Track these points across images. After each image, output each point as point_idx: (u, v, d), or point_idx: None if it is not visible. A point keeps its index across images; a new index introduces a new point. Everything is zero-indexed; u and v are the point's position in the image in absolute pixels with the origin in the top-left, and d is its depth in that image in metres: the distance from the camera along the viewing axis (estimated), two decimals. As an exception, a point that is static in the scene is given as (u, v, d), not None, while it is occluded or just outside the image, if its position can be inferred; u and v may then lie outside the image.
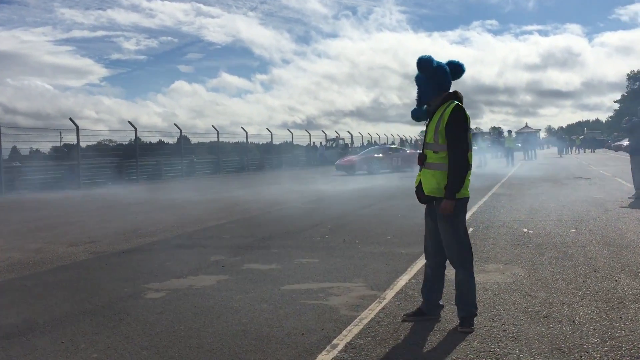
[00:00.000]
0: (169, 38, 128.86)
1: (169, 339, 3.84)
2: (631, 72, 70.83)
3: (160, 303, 4.75)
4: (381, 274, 5.63)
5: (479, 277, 5.31)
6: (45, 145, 26.65)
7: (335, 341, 3.71)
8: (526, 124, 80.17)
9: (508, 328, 3.88)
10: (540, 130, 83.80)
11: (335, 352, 3.51)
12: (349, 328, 3.97)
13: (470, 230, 8.02)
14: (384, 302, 4.60)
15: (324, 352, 3.51)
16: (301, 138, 41.63)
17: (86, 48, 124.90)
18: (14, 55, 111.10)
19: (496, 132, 51.91)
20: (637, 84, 68.28)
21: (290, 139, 39.64)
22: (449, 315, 4.19)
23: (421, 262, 6.05)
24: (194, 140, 36.61)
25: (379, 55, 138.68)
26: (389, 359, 3.39)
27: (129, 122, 25.18)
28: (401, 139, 48.07)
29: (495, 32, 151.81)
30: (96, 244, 7.80)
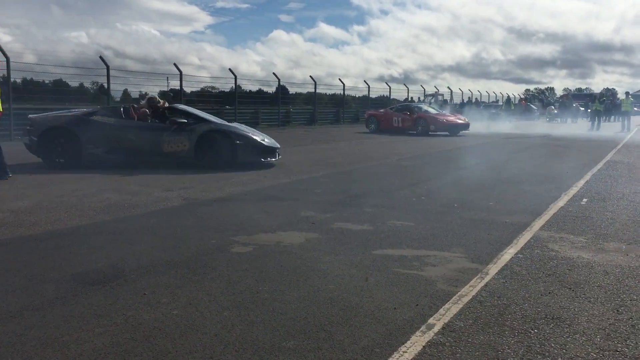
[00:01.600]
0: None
1: (252, 300, 3.61)
2: None
3: (246, 259, 4.56)
4: (483, 244, 5.12)
5: (597, 258, 4.70)
6: (153, 89, 27.60)
7: (431, 320, 3.32)
8: (645, 85, 73.67)
9: (637, 323, 3.31)
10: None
11: (431, 334, 3.12)
12: (446, 306, 3.56)
13: (583, 201, 7.28)
14: (487, 279, 4.13)
15: (418, 333, 3.14)
16: (399, 92, 40.60)
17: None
18: (122, 0, 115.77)
19: (610, 93, 48.10)
20: None
21: (388, 93, 38.69)
22: (566, 303, 3.66)
23: (528, 234, 5.49)
24: (291, 90, 36.66)
25: (482, 7, 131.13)
26: (495, 349, 2.95)
27: (229, 69, 25.43)
28: (508, 96, 45.43)
29: None
30: (189, 190, 7.79)
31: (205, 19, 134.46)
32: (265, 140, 10.67)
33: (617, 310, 3.53)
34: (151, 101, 11.10)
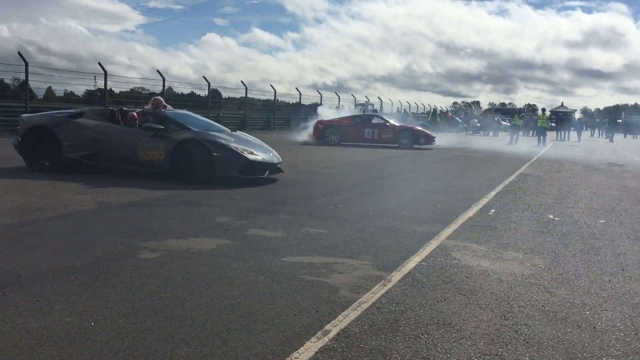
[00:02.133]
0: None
1: (152, 307, 3.57)
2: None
3: (152, 264, 4.50)
4: (391, 252, 5.28)
5: (494, 266, 4.95)
6: (80, 88, 26.67)
7: (328, 327, 3.40)
8: (562, 103, 77.88)
9: (520, 329, 3.52)
10: (576, 110, 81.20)
11: (325, 340, 3.20)
12: (345, 312, 3.65)
13: (491, 212, 7.62)
14: (389, 286, 4.26)
15: (313, 339, 3.20)
16: (331, 100, 40.94)
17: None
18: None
19: (530, 109, 50.47)
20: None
21: (319, 101, 39.02)
22: (458, 309, 3.84)
23: (435, 242, 5.70)
24: (224, 94, 36.34)
25: (413, 21, 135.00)
26: (384, 353, 3.06)
27: (157, 71, 24.94)
28: (434, 109, 46.90)
29: (536, 6, 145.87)
30: (104, 194, 7.58)
31: (136, 18, 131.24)
32: (260, 154, 9.47)
33: (504, 316, 3.73)
34: (155, 103, 10.22)
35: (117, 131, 9.59)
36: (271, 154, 9.88)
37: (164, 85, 24.99)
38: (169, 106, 10.61)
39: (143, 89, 33.80)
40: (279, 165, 9.92)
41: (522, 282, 4.52)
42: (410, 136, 21.49)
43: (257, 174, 9.33)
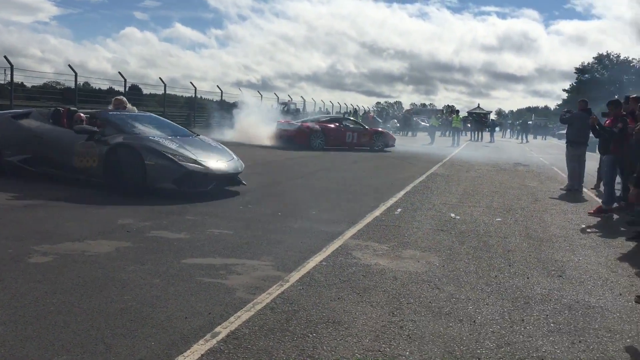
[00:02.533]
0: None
1: (35, 314, 3.45)
2: (580, 64, 72.25)
3: (42, 269, 4.34)
4: (293, 252, 5.35)
5: (392, 264, 5.12)
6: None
7: (218, 328, 3.41)
8: (478, 104, 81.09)
9: (405, 325, 3.68)
10: (491, 112, 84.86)
11: (213, 342, 3.21)
12: (238, 314, 3.68)
13: (397, 211, 7.86)
14: (286, 286, 4.32)
15: (201, 341, 3.21)
16: (254, 99, 40.66)
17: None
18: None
19: (449, 110, 52.25)
20: (586, 75, 69.77)
21: (241, 98, 38.67)
22: (350, 307, 3.95)
23: (339, 242, 5.83)
24: (146, 90, 35.33)
25: (337, 21, 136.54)
26: (270, 353, 3.12)
27: (69, 65, 23.89)
28: (355, 109, 47.60)
29: (454, 10, 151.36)
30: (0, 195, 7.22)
31: (50, 9, 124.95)
32: (211, 163, 8.27)
33: (392, 313, 3.88)
34: (116, 104, 9.40)
35: (55, 134, 8.64)
36: (231, 162, 8.68)
37: (76, 81, 23.93)
38: (131, 107, 9.78)
39: (58, 83, 32.30)
40: (238, 176, 8.78)
41: (415, 280, 4.71)
42: (383, 139, 21.91)
43: (197, 187, 8.04)
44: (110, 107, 9.61)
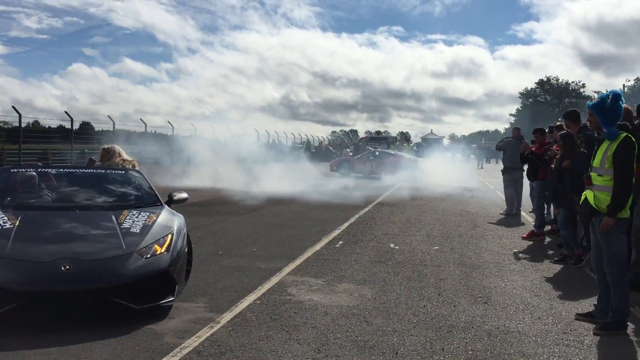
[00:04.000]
0: (75, 19, 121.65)
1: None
2: (524, 89, 75.16)
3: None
4: (228, 292, 5.41)
5: (325, 299, 5.23)
6: None
7: (141, 376, 3.45)
8: (431, 130, 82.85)
9: (329, 360, 3.78)
10: (444, 137, 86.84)
11: (134, 391, 3.24)
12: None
13: (339, 244, 8.02)
14: (216, 327, 4.38)
15: (121, 391, 3.24)
16: (206, 132, 40.57)
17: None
18: None
19: (403, 137, 53.18)
20: (529, 100, 72.58)
21: (194, 133, 38.55)
22: (277, 346, 4.03)
23: (275, 279, 5.91)
24: (97, 127, 34.79)
25: (287, 52, 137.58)
26: (189, 399, 3.17)
27: (12, 107, 23.43)
28: (307, 140, 47.95)
29: (402, 39, 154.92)
30: None
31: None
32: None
33: (318, 350, 3.98)
34: (105, 156, 7.31)
35: None
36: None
37: (20, 121, 23.44)
38: (128, 158, 7.30)
39: (6, 122, 31.57)
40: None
41: (345, 314, 4.83)
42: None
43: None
44: (97, 159, 7.53)
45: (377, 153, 27.00)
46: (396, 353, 3.95)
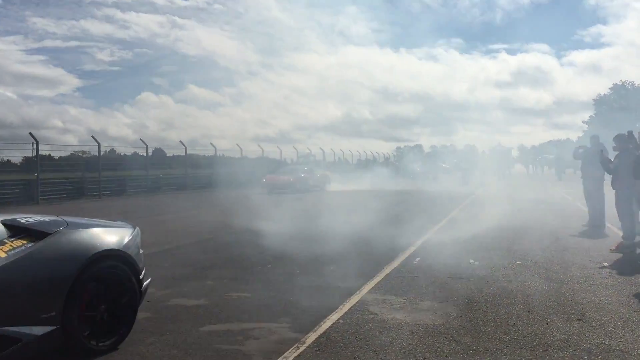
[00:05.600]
0: (144, 49, 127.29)
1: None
2: (597, 95, 71.97)
3: (64, 347, 4.44)
4: (310, 312, 5.39)
5: (409, 318, 5.12)
6: (16, 156, 26.03)
7: (234, 398, 3.46)
8: (499, 142, 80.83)
9: (421, 382, 3.67)
10: (512, 148, 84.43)
11: (228, 413, 3.25)
12: (254, 381, 3.72)
13: (416, 260, 7.86)
14: (302, 348, 4.36)
15: (216, 413, 3.25)
16: (273, 153, 41.23)
17: (58, 58, 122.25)
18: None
19: (469, 149, 52.08)
20: (603, 106, 69.44)
21: (262, 154, 39.25)
22: (364, 366, 3.96)
23: (356, 298, 5.85)
24: (169, 152, 35.97)
25: (345, 70, 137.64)
26: (284, 421, 3.14)
27: (92, 137, 24.71)
28: (373, 155, 47.79)
29: (462, 50, 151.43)
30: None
31: (72, 81, 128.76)
32: None
33: (408, 370, 3.88)
34: None
35: None
36: None
37: (99, 150, 24.70)
38: None
39: (84, 152, 33.29)
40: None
41: (432, 333, 4.70)
42: None
43: None
44: None
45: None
46: (491, 374, 3.79)
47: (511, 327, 4.80)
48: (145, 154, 28.98)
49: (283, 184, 25.20)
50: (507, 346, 4.34)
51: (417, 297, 5.90)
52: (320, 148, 49.71)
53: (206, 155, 36.74)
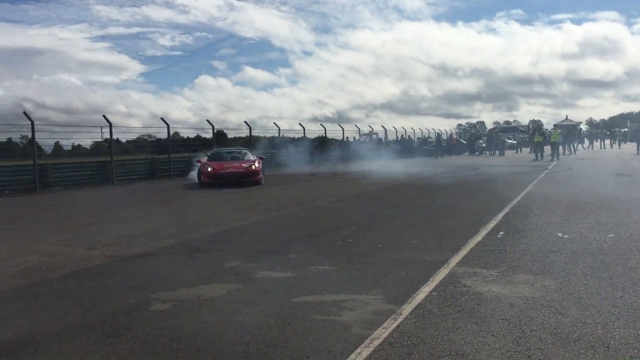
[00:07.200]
0: (203, 34, 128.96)
1: (166, 360, 3.60)
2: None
3: (164, 316, 4.53)
4: (401, 284, 5.29)
5: (505, 290, 4.94)
6: (86, 141, 27.15)
7: (341, 366, 3.41)
8: (566, 116, 77.63)
9: (534, 354, 3.51)
10: (581, 122, 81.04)
11: (339, 381, 3.21)
12: (358, 350, 3.66)
13: (500, 234, 7.62)
14: (400, 319, 4.27)
15: (326, 380, 3.22)
16: (334, 132, 41.10)
17: (122, 45, 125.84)
18: (52, 52, 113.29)
19: (536, 125, 50.34)
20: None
21: (324, 134, 39.23)
22: (470, 338, 3.84)
23: (445, 271, 5.70)
24: (230, 135, 36.56)
25: (402, 46, 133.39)
26: (397, 390, 3.07)
27: (161, 118, 25.28)
28: (438, 133, 46.50)
29: (523, 22, 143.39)
30: (113, 247, 7.66)
31: (136, 67, 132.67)
32: None
33: (517, 342, 3.72)
34: None
35: None
36: None
37: (168, 132, 25.27)
38: None
39: (150, 136, 34.27)
40: None
41: (533, 305, 4.51)
42: None
43: None
44: None
45: None
46: (607, 347, 3.58)
47: (618, 300, 4.55)
48: (210, 135, 29.49)
49: None
50: (618, 319, 4.10)
51: (509, 269, 5.69)
52: (382, 126, 49.31)
53: (266, 136, 37.03)
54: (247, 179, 17.81)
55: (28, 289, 5.60)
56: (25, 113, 19.11)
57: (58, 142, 28.59)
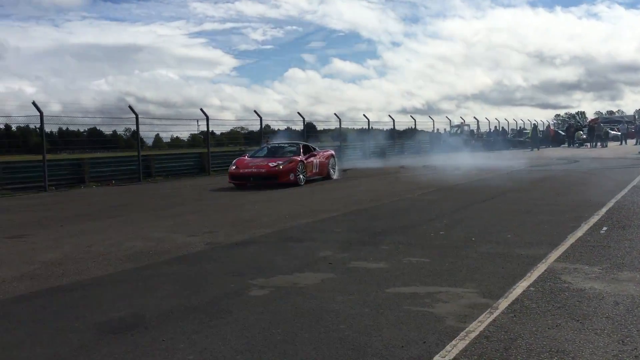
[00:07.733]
0: (294, 27, 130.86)
1: (265, 343, 3.76)
2: None
3: (262, 302, 4.72)
4: (496, 278, 5.19)
5: (609, 288, 4.73)
6: (184, 134, 28.54)
7: (437, 357, 3.42)
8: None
9: (641, 355, 3.35)
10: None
11: (434, 371, 3.22)
12: (453, 342, 3.65)
13: (603, 230, 7.27)
14: (496, 313, 4.20)
15: (422, 371, 3.24)
16: (424, 124, 40.51)
17: (216, 40, 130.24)
18: (151, 48, 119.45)
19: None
20: None
21: (413, 125, 38.78)
22: (572, 335, 3.72)
23: (543, 266, 5.53)
24: (319, 127, 36.95)
25: (495, 34, 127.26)
26: (495, 384, 3.04)
27: (254, 111, 26.01)
28: (534, 124, 44.43)
29: (629, 5, 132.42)
30: (212, 235, 8.03)
31: (229, 61, 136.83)
32: None
33: (622, 342, 3.57)
34: None
35: None
36: None
37: (261, 124, 25.99)
38: None
39: (242, 128, 35.36)
40: None
41: (640, 304, 4.29)
42: None
43: None
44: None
45: None
46: None
47: None
48: (300, 128, 29.99)
49: None
50: None
51: (613, 267, 5.43)
52: (474, 117, 48.01)
53: (354, 128, 37.02)
54: (270, 181, 15.50)
55: (137, 272, 6.01)
56: (130, 107, 20.33)
57: (158, 134, 30.19)
